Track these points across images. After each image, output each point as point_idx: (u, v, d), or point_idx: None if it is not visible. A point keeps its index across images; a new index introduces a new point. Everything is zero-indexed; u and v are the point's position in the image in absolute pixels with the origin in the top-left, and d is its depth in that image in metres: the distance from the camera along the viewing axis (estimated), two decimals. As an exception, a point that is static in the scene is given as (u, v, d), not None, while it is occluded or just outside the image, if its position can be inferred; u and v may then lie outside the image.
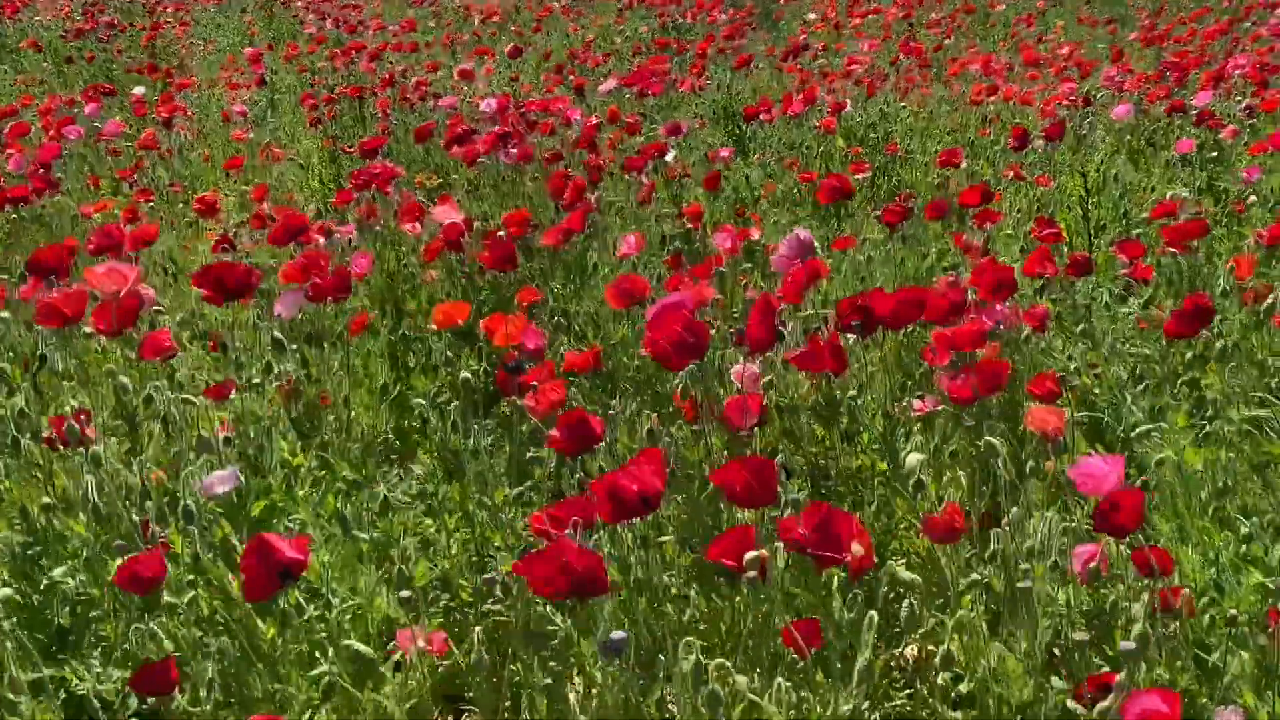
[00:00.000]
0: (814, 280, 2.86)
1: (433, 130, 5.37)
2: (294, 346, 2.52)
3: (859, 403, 2.30)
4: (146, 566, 1.70)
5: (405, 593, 1.78)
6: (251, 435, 2.22)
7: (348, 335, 2.95)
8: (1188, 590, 1.60)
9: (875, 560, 1.60)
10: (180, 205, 5.25)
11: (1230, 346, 2.73)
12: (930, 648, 1.93)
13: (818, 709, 1.52)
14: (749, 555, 1.54)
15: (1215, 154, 4.71)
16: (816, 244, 3.98)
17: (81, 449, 1.93)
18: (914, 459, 1.78)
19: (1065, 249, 3.85)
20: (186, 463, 2.00)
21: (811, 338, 2.10)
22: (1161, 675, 1.58)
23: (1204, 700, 1.55)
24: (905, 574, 1.63)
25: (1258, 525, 1.89)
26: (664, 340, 1.98)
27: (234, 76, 8.17)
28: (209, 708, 1.66)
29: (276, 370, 2.51)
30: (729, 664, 1.45)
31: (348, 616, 1.94)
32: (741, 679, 1.43)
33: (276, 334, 2.41)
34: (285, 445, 2.16)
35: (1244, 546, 1.88)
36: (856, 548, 1.52)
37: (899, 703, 1.86)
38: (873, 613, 1.49)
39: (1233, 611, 1.61)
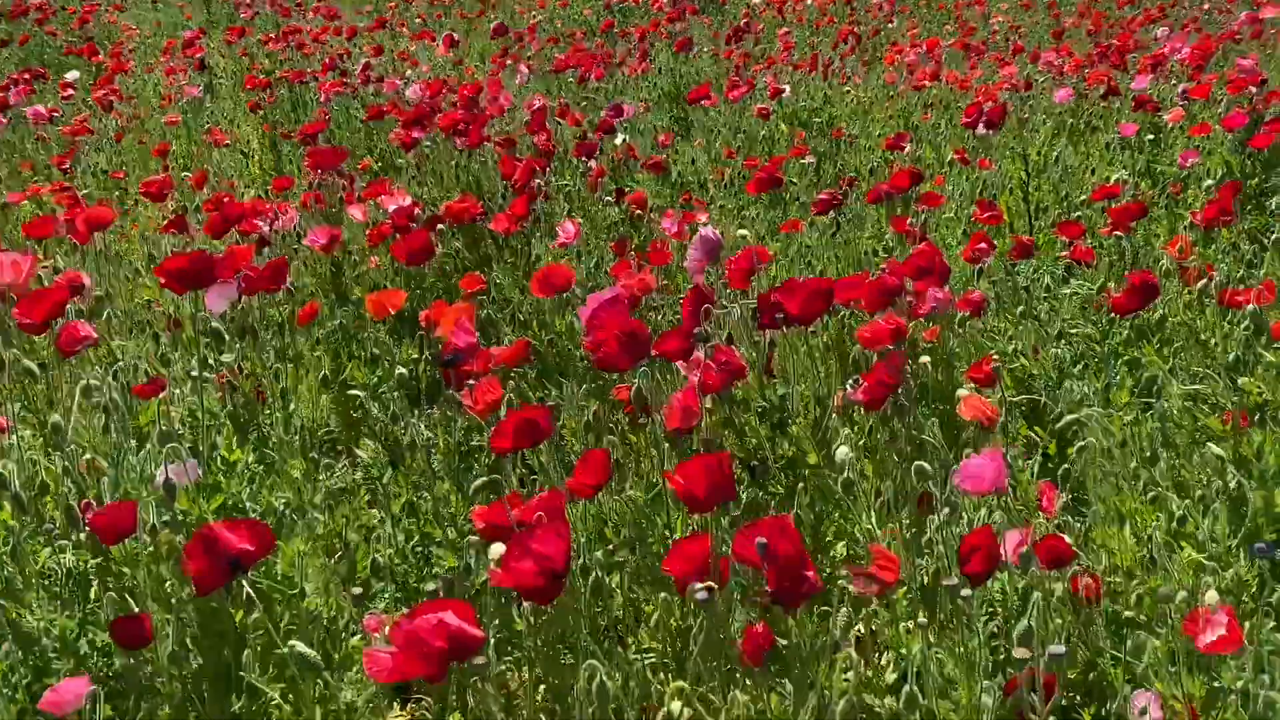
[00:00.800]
0: (757, 267, 2.86)
1: (383, 113, 5.30)
2: (228, 338, 2.47)
3: (792, 393, 2.30)
4: (119, 516, 1.70)
5: (356, 590, 1.75)
6: (189, 431, 2.18)
7: (293, 325, 2.91)
8: (1100, 577, 1.62)
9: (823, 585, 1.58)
10: (116, 193, 5.14)
11: (1173, 325, 2.79)
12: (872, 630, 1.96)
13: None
14: (695, 587, 1.50)
15: (1153, 137, 4.78)
16: (765, 228, 4.01)
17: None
18: (843, 452, 1.78)
19: (1007, 231, 3.90)
20: (127, 452, 1.96)
21: (718, 349, 2.07)
22: (1082, 658, 1.61)
23: (1121, 683, 1.58)
24: (855, 588, 1.64)
25: (1190, 505, 1.93)
26: (605, 350, 1.96)
27: (171, 61, 7.98)
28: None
29: (213, 363, 2.46)
30: (685, 685, 1.43)
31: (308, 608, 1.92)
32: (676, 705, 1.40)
33: (215, 325, 2.36)
34: (223, 440, 2.11)
35: (1175, 524, 1.91)
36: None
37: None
38: (851, 650, 1.48)
39: (1160, 589, 1.64)
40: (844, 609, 1.57)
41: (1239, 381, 2.30)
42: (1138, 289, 2.51)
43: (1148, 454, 2.15)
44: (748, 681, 1.57)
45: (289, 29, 8.87)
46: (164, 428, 2.03)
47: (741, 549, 1.50)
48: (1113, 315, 2.88)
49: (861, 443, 2.27)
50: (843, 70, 7.22)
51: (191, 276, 2.30)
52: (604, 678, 1.42)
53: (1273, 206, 3.84)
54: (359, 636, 1.84)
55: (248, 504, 2.00)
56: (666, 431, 2.04)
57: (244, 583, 1.64)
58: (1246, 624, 1.53)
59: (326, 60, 7.19)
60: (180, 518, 1.86)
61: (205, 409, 2.18)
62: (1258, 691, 1.45)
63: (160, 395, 2.13)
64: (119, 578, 1.85)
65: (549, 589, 1.46)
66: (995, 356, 2.53)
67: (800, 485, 2.21)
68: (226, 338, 2.40)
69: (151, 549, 1.80)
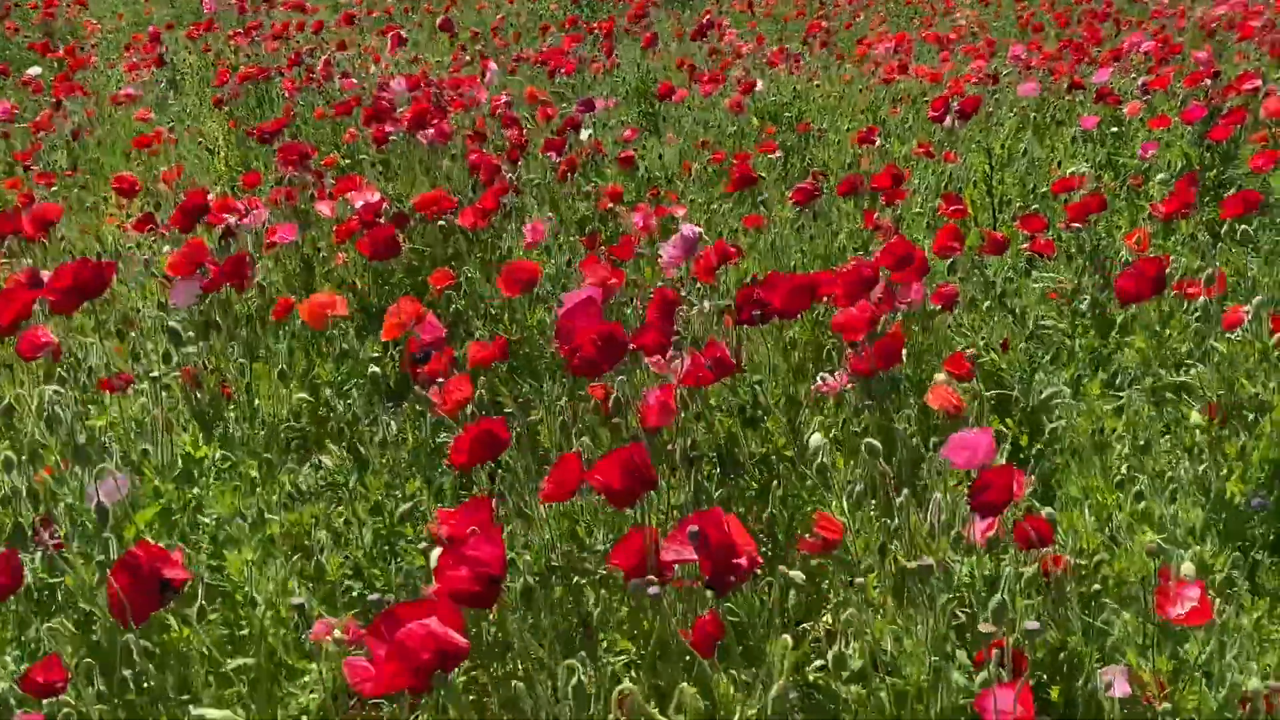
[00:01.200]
0: (724, 261, 2.87)
1: (352, 108, 5.26)
2: (190, 334, 2.44)
3: (763, 387, 2.31)
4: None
5: (297, 600, 1.74)
6: (147, 430, 2.15)
7: (261, 320, 2.88)
8: (1069, 557, 1.64)
9: (762, 561, 1.59)
10: (78, 190, 5.07)
11: (1126, 317, 2.82)
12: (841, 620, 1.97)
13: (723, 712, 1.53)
14: (637, 581, 1.51)
15: (1115, 130, 4.84)
16: (735, 222, 4.01)
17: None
18: (816, 440, 1.79)
19: (972, 224, 3.93)
20: (74, 464, 1.92)
21: (692, 355, 2.06)
22: (1053, 637, 1.63)
23: (1091, 660, 1.60)
24: (797, 575, 1.65)
25: (1150, 486, 1.95)
26: (583, 355, 1.92)
27: (134, 56, 7.90)
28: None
29: (176, 359, 2.44)
30: (634, 685, 1.43)
31: (267, 615, 1.90)
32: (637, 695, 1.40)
33: (173, 323, 2.33)
34: (187, 439, 2.09)
35: (1139, 505, 1.94)
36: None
37: (814, 678, 1.89)
38: (786, 637, 1.49)
39: (1122, 570, 1.66)
40: (790, 592, 1.57)
41: (1203, 373, 2.33)
42: (1149, 279, 2.46)
43: (1128, 441, 2.17)
44: (709, 672, 1.57)
45: (252, 24, 8.79)
46: (99, 439, 1.98)
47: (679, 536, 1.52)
48: (1083, 306, 2.93)
49: (833, 434, 2.29)
50: (813, 65, 7.25)
51: (79, 290, 2.21)
52: (581, 677, 1.42)
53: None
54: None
55: (198, 516, 1.97)
56: (643, 429, 2.03)
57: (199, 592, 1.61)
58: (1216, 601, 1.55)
59: (291, 56, 7.13)
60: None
61: (162, 408, 2.14)
62: (1225, 673, 1.48)
63: (122, 392, 2.11)
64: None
65: (485, 595, 1.43)
66: (968, 351, 2.55)
67: (774, 481, 2.22)
68: (182, 334, 2.37)
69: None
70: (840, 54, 8.07)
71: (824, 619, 2.11)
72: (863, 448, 1.74)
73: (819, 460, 1.73)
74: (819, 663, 1.85)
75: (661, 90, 5.82)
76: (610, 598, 1.91)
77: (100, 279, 2.21)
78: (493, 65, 6.73)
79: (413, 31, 8.83)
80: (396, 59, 7.51)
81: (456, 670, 1.41)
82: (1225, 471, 1.97)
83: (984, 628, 1.39)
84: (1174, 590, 1.42)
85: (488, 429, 1.79)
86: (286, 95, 6.14)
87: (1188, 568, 1.48)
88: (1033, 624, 1.39)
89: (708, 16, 9.37)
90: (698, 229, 2.65)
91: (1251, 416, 2.07)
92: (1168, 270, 2.84)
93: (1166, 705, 1.40)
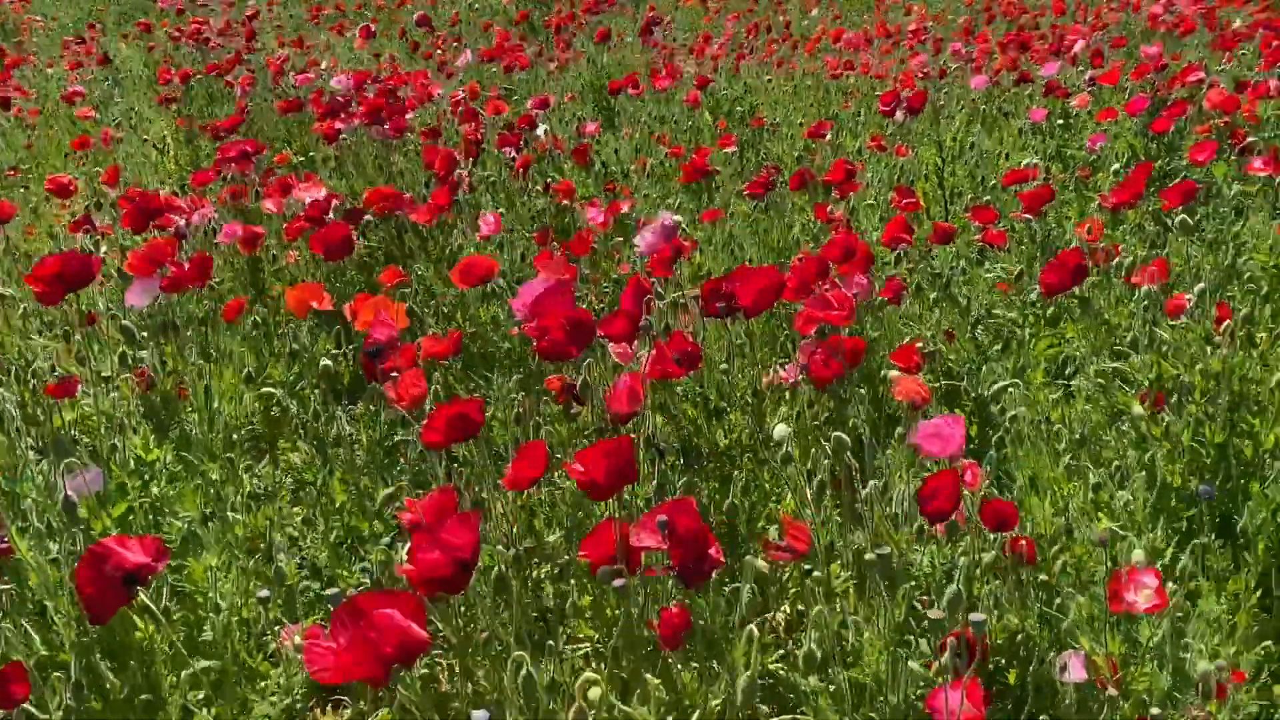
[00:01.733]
0: (680, 255, 2.88)
1: (299, 105, 5.20)
2: (144, 334, 2.40)
3: (728, 379, 2.32)
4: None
5: (264, 593, 1.72)
6: (102, 431, 2.12)
7: (217, 320, 2.84)
8: (1025, 541, 1.66)
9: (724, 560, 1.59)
10: (20, 190, 4.97)
11: (1070, 304, 2.86)
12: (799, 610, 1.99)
13: (686, 702, 1.54)
14: (605, 570, 1.52)
15: (1063, 122, 4.91)
16: (687, 216, 4.02)
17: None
18: (781, 429, 1.80)
19: (924, 217, 3.98)
20: (25, 463, 1.89)
21: (658, 345, 2.06)
22: (1011, 621, 1.66)
23: (1048, 644, 1.63)
24: (762, 564, 1.66)
25: (1105, 474, 1.99)
26: (551, 338, 1.91)
27: (73, 56, 7.75)
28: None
29: (130, 361, 2.40)
30: (598, 677, 1.43)
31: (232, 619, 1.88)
32: (595, 691, 1.40)
33: (126, 323, 2.30)
34: (138, 441, 2.06)
35: (1093, 494, 1.97)
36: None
37: (774, 668, 1.90)
38: (752, 628, 1.50)
39: (1080, 555, 1.69)
40: (748, 586, 1.58)
41: (1146, 359, 2.37)
42: (1070, 269, 2.52)
43: (1071, 430, 2.21)
44: (675, 665, 1.58)
45: (197, 21, 8.66)
46: (63, 435, 1.96)
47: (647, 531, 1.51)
48: (1033, 296, 2.97)
49: (793, 427, 2.30)
50: (766, 58, 7.28)
51: (68, 279, 2.19)
52: (529, 669, 1.41)
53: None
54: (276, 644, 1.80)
55: (157, 519, 1.94)
56: (609, 416, 2.03)
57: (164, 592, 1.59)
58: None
59: (236, 52, 7.03)
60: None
61: (118, 408, 2.11)
62: (1178, 654, 1.51)
63: (74, 396, 2.07)
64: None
65: (457, 579, 1.43)
66: (919, 342, 2.58)
67: (735, 473, 2.23)
68: (135, 335, 2.33)
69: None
70: (795, 44, 8.12)
71: (784, 609, 2.13)
72: (832, 441, 1.75)
73: (783, 450, 1.74)
74: (780, 653, 1.87)
75: (612, 86, 5.82)
76: (574, 588, 1.91)
77: (86, 271, 2.17)
78: (469, 54, 6.63)
79: (368, 25, 8.72)
80: (358, 54, 7.45)
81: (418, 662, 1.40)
82: (1163, 457, 2.01)
83: (933, 615, 1.40)
84: (1128, 577, 1.45)
85: (462, 410, 1.77)
86: (239, 92, 6.05)
87: (1138, 555, 1.50)
88: (978, 616, 1.39)
89: (653, 12, 9.37)
90: (677, 217, 2.66)
91: (1175, 399, 2.11)
92: (1117, 260, 2.90)
93: (1112, 692, 1.42)
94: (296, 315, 2.60)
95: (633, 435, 1.93)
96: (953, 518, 1.69)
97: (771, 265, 2.89)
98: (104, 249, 3.53)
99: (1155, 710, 1.40)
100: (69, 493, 1.73)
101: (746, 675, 1.42)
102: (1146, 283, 2.48)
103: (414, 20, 8.44)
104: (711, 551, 1.47)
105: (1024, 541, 1.65)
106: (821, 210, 3.56)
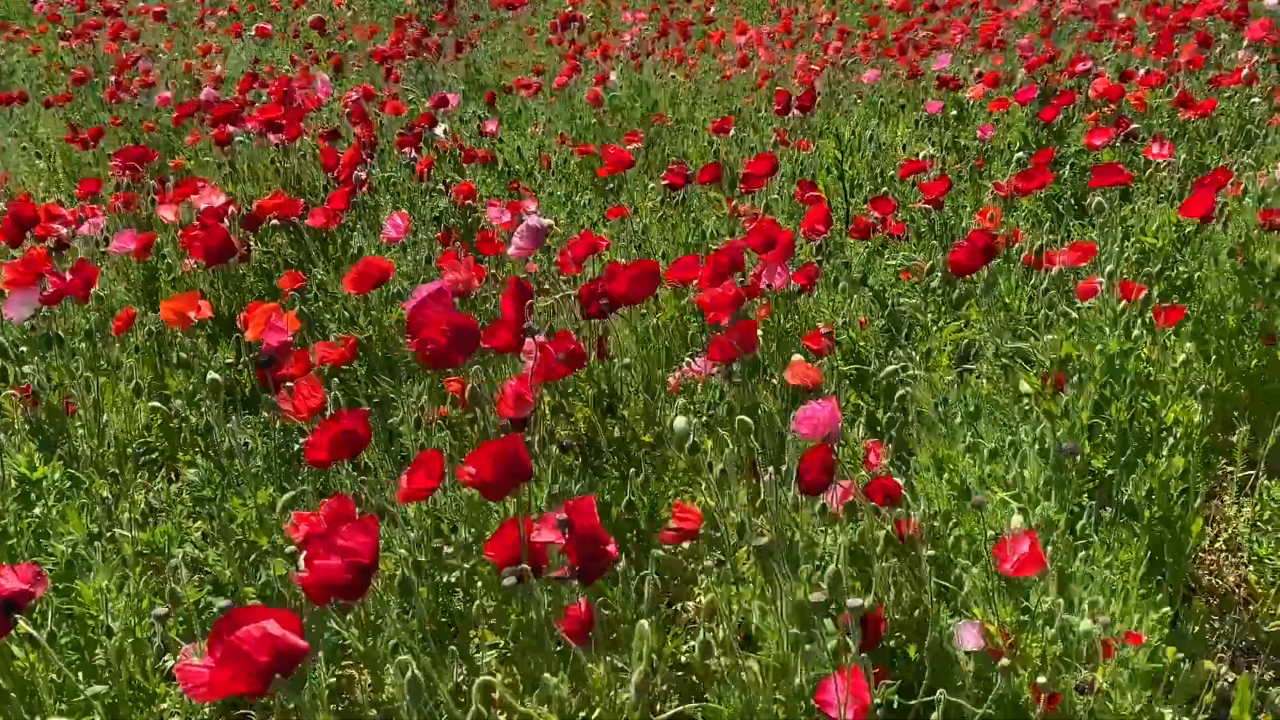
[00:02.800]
0: (591, 252, 2.87)
1: (194, 110, 5.06)
2: (23, 349, 2.31)
3: (626, 375, 2.32)
4: None
5: (159, 611, 1.67)
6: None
7: (107, 333, 2.74)
8: (918, 519, 1.70)
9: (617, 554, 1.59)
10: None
11: (968, 288, 2.93)
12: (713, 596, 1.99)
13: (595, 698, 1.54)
14: (506, 571, 1.50)
15: (957, 113, 5.02)
16: (596, 214, 4.01)
17: None
18: (681, 423, 1.81)
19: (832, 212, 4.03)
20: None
21: (541, 345, 2.04)
22: (909, 596, 1.69)
23: (945, 616, 1.67)
24: (665, 541, 1.67)
25: (1000, 447, 2.03)
26: (433, 347, 1.88)
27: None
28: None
29: (14, 377, 2.30)
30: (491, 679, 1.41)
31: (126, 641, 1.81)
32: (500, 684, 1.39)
33: None
34: (22, 459, 1.97)
35: (988, 468, 2.02)
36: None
37: (685, 657, 1.91)
38: (643, 623, 1.49)
39: (971, 529, 1.73)
40: (649, 576, 1.59)
41: (1051, 340, 2.44)
42: (979, 250, 2.57)
43: (969, 408, 2.25)
44: (585, 662, 1.57)
45: (89, 23, 8.36)
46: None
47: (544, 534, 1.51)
48: (934, 283, 3.03)
49: (702, 418, 2.31)
50: (670, 54, 7.31)
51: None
52: (415, 671, 1.39)
53: (1063, 176, 4.09)
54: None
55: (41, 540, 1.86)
56: (500, 422, 2.01)
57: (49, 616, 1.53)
58: (1050, 552, 1.63)
59: (124, 58, 6.81)
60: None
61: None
62: (1065, 617, 1.55)
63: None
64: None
65: (356, 585, 1.40)
66: (827, 328, 2.62)
67: (632, 469, 2.23)
68: (8, 350, 2.24)
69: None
70: (700, 45, 8.17)
71: (696, 598, 2.14)
72: (736, 425, 1.76)
73: (690, 441, 1.74)
74: (692, 643, 1.87)
75: (517, 83, 5.78)
76: (480, 594, 1.89)
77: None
78: (324, 77, 6.50)
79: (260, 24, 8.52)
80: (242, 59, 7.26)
81: (298, 671, 1.37)
82: (1060, 431, 2.06)
83: (815, 597, 1.42)
84: (1011, 544, 1.49)
85: (347, 426, 1.73)
86: (110, 103, 5.86)
87: (1016, 521, 1.55)
88: (855, 601, 1.37)
89: (570, 8, 9.35)
90: (545, 220, 2.63)
91: (1075, 378, 2.17)
92: (1019, 244, 2.97)
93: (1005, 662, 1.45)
94: (179, 327, 2.50)
95: (527, 437, 1.92)
96: (851, 499, 1.71)
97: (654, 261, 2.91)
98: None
99: (1042, 679, 1.44)
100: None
101: (639, 670, 1.42)
102: (1060, 265, 2.55)
103: (308, 23, 8.27)
104: (609, 548, 1.47)
105: (913, 520, 1.68)
106: (730, 204, 3.58)
